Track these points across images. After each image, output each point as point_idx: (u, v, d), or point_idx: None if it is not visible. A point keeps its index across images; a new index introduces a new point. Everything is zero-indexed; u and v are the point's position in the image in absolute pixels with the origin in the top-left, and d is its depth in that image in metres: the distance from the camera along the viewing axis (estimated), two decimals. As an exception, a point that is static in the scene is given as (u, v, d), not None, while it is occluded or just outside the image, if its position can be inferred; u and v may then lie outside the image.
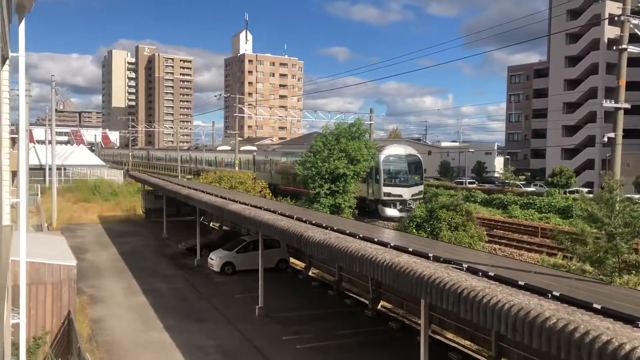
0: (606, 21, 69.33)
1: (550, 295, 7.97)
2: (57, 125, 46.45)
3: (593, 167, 74.36)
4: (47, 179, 55.77)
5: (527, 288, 8.45)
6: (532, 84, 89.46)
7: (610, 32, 72.81)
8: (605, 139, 30.70)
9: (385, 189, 41.93)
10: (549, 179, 64.83)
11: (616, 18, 29.10)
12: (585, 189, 60.35)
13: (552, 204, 48.94)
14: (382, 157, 43.22)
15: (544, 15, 79.86)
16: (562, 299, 7.77)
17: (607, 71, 74.15)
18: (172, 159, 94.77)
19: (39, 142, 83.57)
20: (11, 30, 9.26)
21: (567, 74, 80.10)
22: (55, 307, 15.47)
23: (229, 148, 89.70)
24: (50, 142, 44.02)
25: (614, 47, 30.18)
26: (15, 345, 12.05)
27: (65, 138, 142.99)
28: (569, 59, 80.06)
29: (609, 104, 30.26)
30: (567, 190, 60.06)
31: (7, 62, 9.91)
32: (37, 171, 57.83)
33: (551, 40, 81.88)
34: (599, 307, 7.22)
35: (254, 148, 78.50)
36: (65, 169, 66.54)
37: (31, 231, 25.94)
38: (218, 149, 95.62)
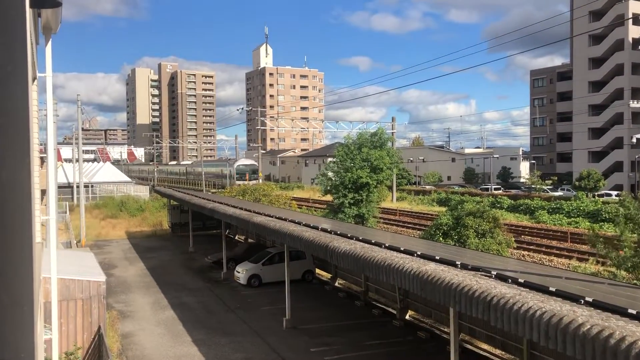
0: (630, 21, 68.30)
1: (582, 301, 7.80)
2: (83, 144, 47.34)
3: (622, 169, 72.95)
4: (75, 196, 56.73)
5: (559, 294, 8.28)
6: (556, 87, 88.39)
7: (635, 31, 71.74)
8: (634, 140, 30.12)
9: (237, 182, 70.52)
10: (577, 183, 63.79)
11: (640, 17, 28.66)
12: (614, 192, 59.20)
13: (581, 208, 48.09)
14: (235, 165, 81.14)
15: (566, 18, 79.04)
16: (596, 305, 7.60)
17: (632, 71, 72.95)
18: (169, 172, 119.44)
19: (66, 160, 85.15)
20: (38, 52, 9.48)
21: (591, 76, 78.97)
22: (85, 322, 15.66)
23: (175, 162, 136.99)
24: (77, 161, 44.82)
25: (639, 47, 29.70)
26: (47, 361, 12.20)
27: (91, 156, 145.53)
28: (593, 61, 78.95)
29: (635, 104, 29.70)
30: (596, 193, 59.00)
31: (35, 82, 10.13)
32: (65, 189, 58.88)
33: (574, 43, 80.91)
34: (634, 312, 7.03)
35: (189, 162, 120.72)
36: (92, 186, 67.63)
37: (61, 248, 26.38)
38: (170, 163, 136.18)
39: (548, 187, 69.12)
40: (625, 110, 71.12)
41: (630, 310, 7.09)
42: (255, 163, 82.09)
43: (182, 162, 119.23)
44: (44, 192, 23.35)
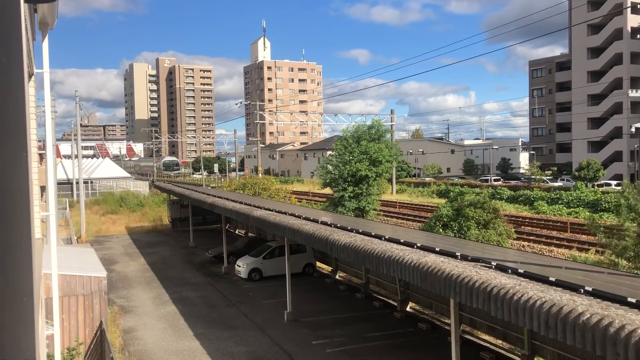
0: (629, 10, 68.07)
1: (582, 290, 7.82)
2: (82, 140, 47.28)
3: (621, 159, 72.98)
4: (75, 192, 56.71)
5: (559, 284, 8.31)
6: (555, 77, 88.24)
7: (634, 20, 71.55)
8: (633, 130, 30.09)
9: (163, 172, 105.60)
10: (576, 173, 63.82)
11: (639, 6, 28.55)
12: (614, 182, 59.24)
13: (581, 198, 48.12)
14: (162, 160, 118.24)
15: (565, 7, 78.80)
16: (595, 294, 7.62)
17: (631, 61, 72.80)
18: (125, 166, 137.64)
19: (65, 156, 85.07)
20: (35, 48, 9.45)
21: (590, 66, 78.81)
22: (87, 318, 15.70)
23: (128, 159, 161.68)
24: (76, 157, 44.80)
25: (638, 36, 29.62)
26: (50, 357, 12.25)
27: (91, 152, 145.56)
28: (592, 50, 78.76)
29: (635, 93, 29.65)
30: (596, 183, 59.05)
31: (33, 78, 10.11)
32: (65, 185, 58.88)
33: (572, 32, 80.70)
34: (633, 300, 7.05)
35: (137, 159, 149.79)
36: (92, 182, 67.62)
37: (61, 244, 26.42)
38: (125, 159, 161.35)
39: (547, 177, 69.13)
40: (625, 100, 70.99)
41: (629, 299, 7.12)
42: (176, 159, 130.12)
43: (132, 159, 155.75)
44: (43, 189, 23.37)
